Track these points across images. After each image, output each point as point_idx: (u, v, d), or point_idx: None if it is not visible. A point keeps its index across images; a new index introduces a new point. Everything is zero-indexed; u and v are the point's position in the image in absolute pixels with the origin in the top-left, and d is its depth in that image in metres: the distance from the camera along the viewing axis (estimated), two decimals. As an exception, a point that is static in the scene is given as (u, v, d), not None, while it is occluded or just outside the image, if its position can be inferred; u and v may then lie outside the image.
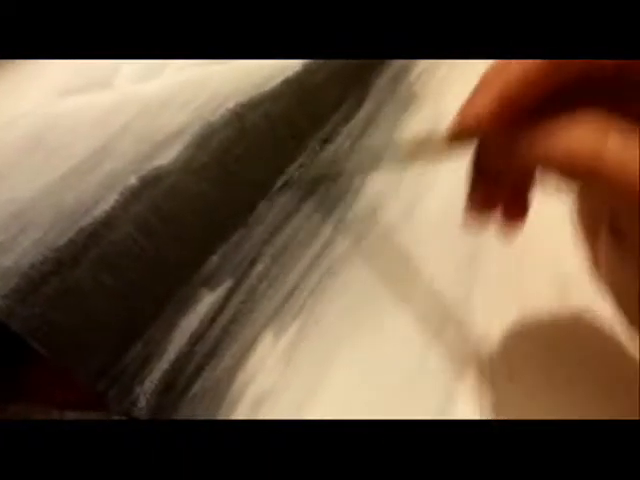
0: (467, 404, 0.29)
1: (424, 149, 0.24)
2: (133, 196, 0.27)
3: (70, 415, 0.27)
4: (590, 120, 0.19)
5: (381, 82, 0.38)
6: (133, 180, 0.28)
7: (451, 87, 0.39)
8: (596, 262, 0.27)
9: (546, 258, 0.35)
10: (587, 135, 0.19)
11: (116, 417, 0.28)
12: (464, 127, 0.21)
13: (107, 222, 0.26)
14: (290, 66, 0.34)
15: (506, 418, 0.29)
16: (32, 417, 0.28)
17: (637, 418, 0.27)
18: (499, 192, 0.25)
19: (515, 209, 0.25)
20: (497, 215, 0.25)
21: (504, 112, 0.20)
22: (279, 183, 0.31)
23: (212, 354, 0.26)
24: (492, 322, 0.32)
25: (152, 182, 0.28)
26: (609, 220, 0.23)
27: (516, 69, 0.20)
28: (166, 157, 0.29)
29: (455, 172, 0.38)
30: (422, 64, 0.40)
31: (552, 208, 0.37)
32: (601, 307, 0.30)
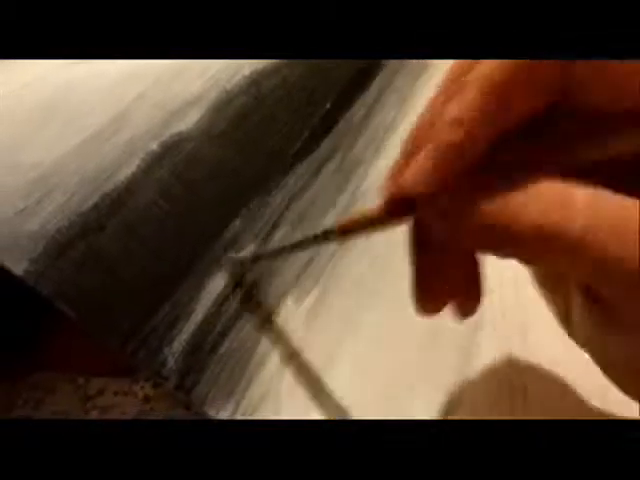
0: (484, 360, 0.30)
1: (358, 226, 0.20)
2: (154, 162, 0.27)
3: (96, 383, 0.28)
4: (550, 186, 0.15)
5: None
6: (154, 146, 0.28)
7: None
8: (566, 320, 0.21)
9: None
10: (554, 207, 0.15)
11: (143, 380, 0.28)
12: (398, 198, 0.17)
13: (130, 187, 0.26)
14: (304, 34, 0.34)
15: (518, 372, 0.30)
16: (55, 386, 0.29)
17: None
18: (448, 272, 0.20)
19: (468, 292, 0.21)
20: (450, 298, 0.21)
21: (442, 175, 0.16)
22: (295, 149, 0.31)
23: (237, 316, 0.27)
24: (504, 277, 0.32)
25: (173, 148, 0.28)
26: (578, 282, 0.18)
27: (448, 125, 0.16)
28: (185, 124, 0.29)
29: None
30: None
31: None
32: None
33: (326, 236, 0.22)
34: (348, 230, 0.21)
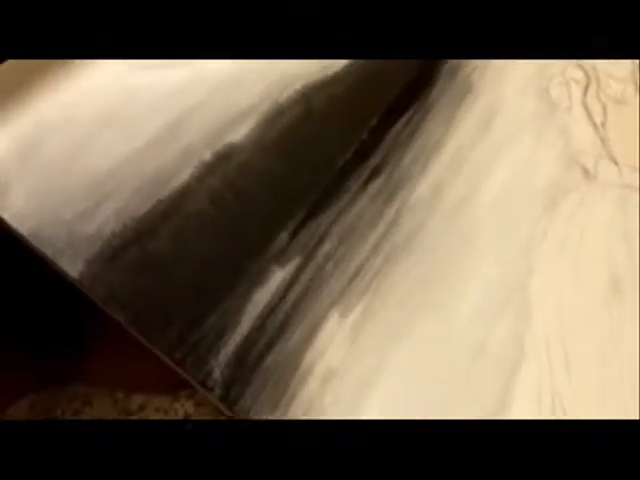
0: (525, 387, 0.29)
1: None
2: (207, 170, 0.28)
3: (137, 398, 0.28)
4: None
5: (441, 72, 0.38)
6: (208, 155, 0.28)
7: (507, 79, 0.39)
8: None
9: (600, 249, 0.35)
10: None
11: (184, 399, 0.28)
12: None
13: (183, 194, 0.27)
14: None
15: (561, 407, 0.30)
16: (93, 399, 0.29)
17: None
18: None
19: None
20: None
21: None
22: (343, 163, 0.32)
23: (283, 329, 0.26)
24: (549, 307, 0.32)
25: (225, 157, 0.28)
26: None
27: None
28: (238, 134, 0.29)
29: (515, 156, 0.38)
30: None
31: (605, 201, 0.37)
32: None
33: None
34: None
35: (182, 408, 0.27)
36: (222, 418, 0.27)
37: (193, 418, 0.28)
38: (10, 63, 0.26)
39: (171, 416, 0.28)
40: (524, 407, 0.29)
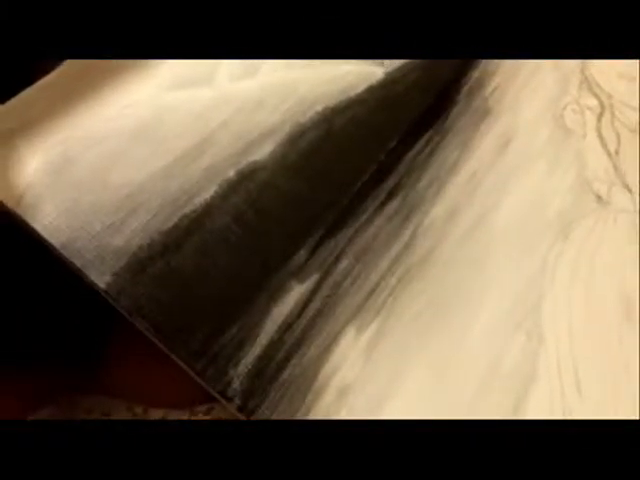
0: (538, 409, 0.29)
1: None
2: (231, 188, 0.29)
3: (155, 413, 0.28)
4: None
5: (460, 93, 0.39)
6: (231, 173, 0.29)
7: (525, 103, 0.40)
8: None
9: (612, 276, 0.36)
10: None
11: (202, 414, 0.28)
12: None
13: (207, 211, 0.28)
14: (374, 74, 0.36)
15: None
16: (112, 412, 0.29)
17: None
18: None
19: None
20: None
21: None
22: (361, 183, 0.32)
23: (300, 343, 0.27)
24: (561, 331, 0.32)
25: (248, 176, 0.29)
26: None
27: None
28: (261, 153, 0.30)
29: (529, 182, 0.38)
30: (497, 79, 0.41)
31: (617, 228, 0.37)
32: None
33: None
34: None
35: (200, 424, 0.28)
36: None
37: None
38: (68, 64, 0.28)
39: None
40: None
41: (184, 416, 0.27)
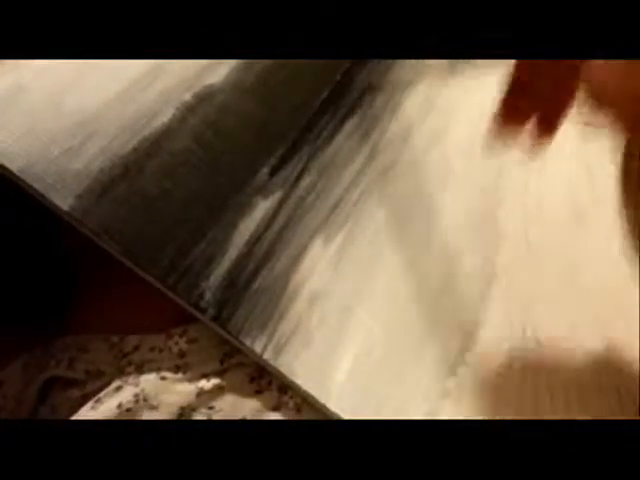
0: (498, 306, 0.31)
1: None
2: (188, 111, 0.29)
3: (131, 340, 0.28)
4: None
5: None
6: (188, 97, 0.29)
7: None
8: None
9: (562, 184, 0.37)
10: None
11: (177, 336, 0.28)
12: None
13: (166, 133, 0.28)
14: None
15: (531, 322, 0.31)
16: (90, 345, 0.29)
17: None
18: (530, 108, 0.26)
19: (546, 125, 0.26)
20: (523, 132, 0.26)
21: None
22: (318, 104, 0.33)
23: (269, 255, 0.28)
24: (515, 240, 0.34)
25: (205, 99, 0.29)
26: None
27: None
28: (216, 76, 0.30)
29: (483, 97, 0.39)
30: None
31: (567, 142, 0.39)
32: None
33: None
34: None
35: (176, 346, 0.28)
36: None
37: (187, 355, 0.29)
38: None
39: (165, 354, 0.28)
40: (497, 324, 0.31)
41: (160, 339, 0.28)
